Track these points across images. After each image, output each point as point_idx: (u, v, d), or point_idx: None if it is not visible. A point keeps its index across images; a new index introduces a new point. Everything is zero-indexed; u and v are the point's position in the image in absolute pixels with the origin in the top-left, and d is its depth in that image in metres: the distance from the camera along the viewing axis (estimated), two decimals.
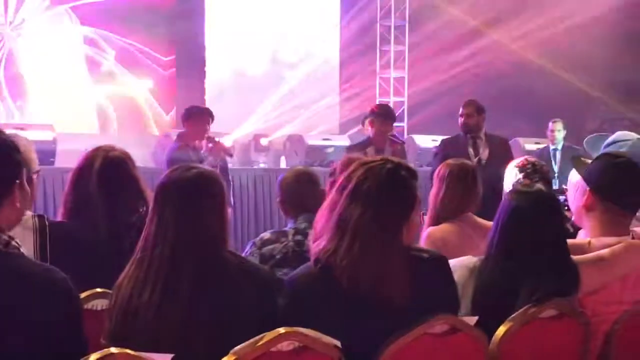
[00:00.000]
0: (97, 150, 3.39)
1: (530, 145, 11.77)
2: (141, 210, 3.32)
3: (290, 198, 3.85)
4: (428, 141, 11.35)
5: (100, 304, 2.82)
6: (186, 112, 7.48)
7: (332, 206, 2.51)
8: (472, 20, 14.67)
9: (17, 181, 2.19)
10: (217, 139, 7.68)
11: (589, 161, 3.12)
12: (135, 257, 2.49)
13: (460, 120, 7.14)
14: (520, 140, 11.67)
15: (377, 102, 15.18)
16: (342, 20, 15.34)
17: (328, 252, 2.45)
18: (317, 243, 2.51)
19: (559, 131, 9.74)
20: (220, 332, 2.36)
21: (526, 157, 4.55)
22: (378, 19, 15.27)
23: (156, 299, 2.39)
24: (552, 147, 9.76)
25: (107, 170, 3.30)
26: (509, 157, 6.69)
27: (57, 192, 8.19)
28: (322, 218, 2.52)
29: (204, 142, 7.48)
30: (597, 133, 3.68)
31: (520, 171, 4.31)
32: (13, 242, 2.13)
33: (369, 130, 7.54)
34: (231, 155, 8.05)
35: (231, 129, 12.47)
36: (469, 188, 4.09)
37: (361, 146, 7.37)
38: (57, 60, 12.46)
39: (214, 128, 11.71)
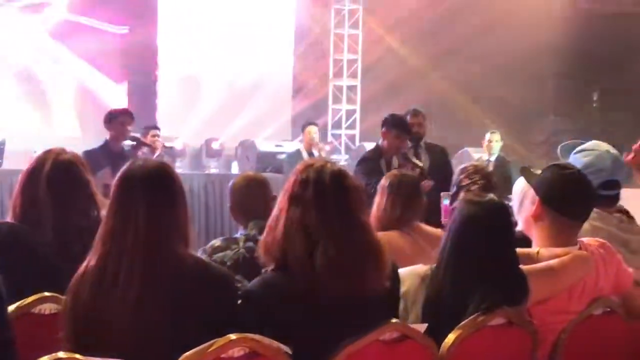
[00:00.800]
0: (48, 153, 3.32)
1: (480, 154, 11.87)
2: (92, 214, 3.27)
3: (240, 204, 3.83)
4: None
5: (48, 308, 2.77)
6: (107, 116, 7.32)
7: (284, 212, 2.50)
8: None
9: None
10: (140, 138, 7.70)
11: (539, 172, 3.16)
12: (97, 252, 2.42)
13: (395, 114, 6.93)
14: (470, 150, 11.78)
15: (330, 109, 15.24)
16: (296, 25, 15.36)
17: (285, 258, 2.44)
18: (270, 249, 2.50)
19: (496, 142, 9.74)
20: (173, 335, 2.33)
21: (471, 162, 4.68)
22: (332, 27, 15.32)
23: (131, 297, 2.34)
24: (486, 157, 9.77)
25: (56, 174, 3.24)
26: (449, 166, 6.83)
27: (4, 195, 8.06)
28: (280, 225, 2.50)
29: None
30: (572, 140, 3.73)
31: (461, 172, 4.43)
32: None
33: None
34: (155, 149, 8.02)
35: (181, 133, 12.44)
36: (412, 198, 4.13)
37: (372, 162, 6.73)
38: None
39: (165, 132, 11.69)
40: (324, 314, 2.44)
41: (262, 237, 2.59)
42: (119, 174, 2.50)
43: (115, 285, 2.35)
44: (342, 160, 13.66)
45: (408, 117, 7.09)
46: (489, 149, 9.76)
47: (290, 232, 2.46)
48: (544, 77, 14.96)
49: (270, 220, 2.55)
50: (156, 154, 9.13)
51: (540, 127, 15.63)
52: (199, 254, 3.65)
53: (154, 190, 2.45)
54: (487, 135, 9.85)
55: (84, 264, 2.44)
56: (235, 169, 11.47)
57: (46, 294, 2.79)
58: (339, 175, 2.55)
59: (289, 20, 15.38)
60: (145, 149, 7.54)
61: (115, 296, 2.34)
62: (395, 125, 6.67)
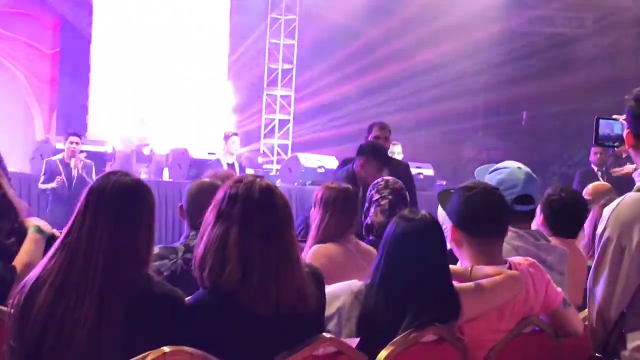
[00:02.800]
0: None
1: (413, 169, 11.97)
2: (9, 215, 3.29)
3: (188, 209, 3.77)
4: (313, 161, 11.44)
5: None
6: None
7: (211, 228, 2.49)
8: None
9: None
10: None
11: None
12: (57, 261, 2.39)
13: (374, 141, 6.74)
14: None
15: (264, 119, 15.23)
16: (231, 33, 15.32)
17: (214, 275, 2.42)
18: (202, 266, 2.48)
19: (398, 154, 10.05)
20: (126, 355, 2.29)
21: (384, 177, 4.72)
22: (267, 37, 15.34)
23: (90, 313, 2.32)
24: None
25: None
26: (411, 182, 6.69)
27: None
28: (204, 241, 2.48)
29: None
30: (486, 165, 3.80)
31: (373, 187, 4.48)
32: None
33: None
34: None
35: (111, 137, 12.29)
36: (351, 212, 4.15)
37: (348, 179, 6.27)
38: None
39: (94, 136, 11.57)
40: (248, 332, 2.43)
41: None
42: (91, 186, 2.48)
43: (76, 303, 2.33)
44: (274, 170, 13.69)
45: (374, 129, 6.90)
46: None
47: (210, 250, 2.44)
48: (476, 94, 15.23)
49: (198, 236, 2.54)
50: (72, 163, 9.20)
51: (471, 143, 15.91)
52: None
53: (123, 208, 2.43)
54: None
55: (37, 271, 2.40)
56: (166, 176, 11.36)
57: None
58: (269, 192, 2.53)
59: (224, 27, 15.35)
60: None
61: (73, 313, 2.32)
62: (377, 156, 6.34)
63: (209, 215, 2.51)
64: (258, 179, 2.57)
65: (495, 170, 3.60)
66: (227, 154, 10.25)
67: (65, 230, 2.44)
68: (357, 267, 3.83)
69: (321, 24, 14.85)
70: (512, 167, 3.55)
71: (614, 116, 3.06)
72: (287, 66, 15.38)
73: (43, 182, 9.37)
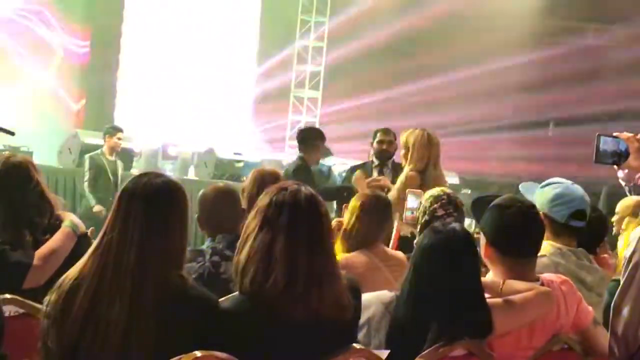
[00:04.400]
0: None
1: None
2: (45, 211, 3.36)
3: (208, 216, 3.80)
4: (339, 165, 11.42)
5: (8, 311, 2.74)
6: None
7: (255, 235, 2.49)
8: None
9: None
10: None
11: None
12: (93, 264, 2.39)
13: (378, 146, 6.99)
14: None
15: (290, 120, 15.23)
16: (261, 34, 15.36)
17: (258, 282, 2.43)
18: (236, 272, 2.50)
19: None
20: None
21: (442, 188, 4.64)
22: (296, 38, 15.36)
23: (122, 315, 2.33)
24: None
25: (7, 176, 3.33)
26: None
27: None
28: (247, 248, 2.49)
29: None
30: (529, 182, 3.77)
31: (436, 201, 4.41)
32: None
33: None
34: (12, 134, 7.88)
35: (139, 135, 12.34)
36: (381, 220, 4.13)
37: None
38: None
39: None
40: (285, 339, 2.44)
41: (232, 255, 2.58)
42: (123, 187, 2.48)
43: (109, 305, 2.34)
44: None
45: (378, 134, 7.04)
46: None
47: (254, 257, 2.45)
48: (502, 102, 15.16)
49: (240, 242, 2.54)
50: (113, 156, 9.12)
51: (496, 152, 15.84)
52: None
53: (154, 210, 2.43)
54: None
55: (74, 272, 2.41)
56: (192, 174, 11.39)
57: (7, 296, 2.77)
58: (314, 200, 2.54)
59: (254, 30, 15.39)
60: None
61: (106, 315, 2.33)
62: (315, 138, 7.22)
63: (252, 222, 2.51)
64: (302, 187, 2.58)
65: (549, 184, 3.55)
66: None
67: (101, 232, 2.45)
68: (382, 278, 3.83)
69: (350, 27, 14.84)
70: (567, 183, 3.52)
71: (615, 133, 3.05)
72: (315, 68, 15.38)
73: (89, 180, 9.01)
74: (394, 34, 14.60)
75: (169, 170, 11.81)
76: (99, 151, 9.21)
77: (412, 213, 4.56)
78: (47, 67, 13.04)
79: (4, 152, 3.57)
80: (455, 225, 2.98)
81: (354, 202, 4.14)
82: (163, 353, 2.30)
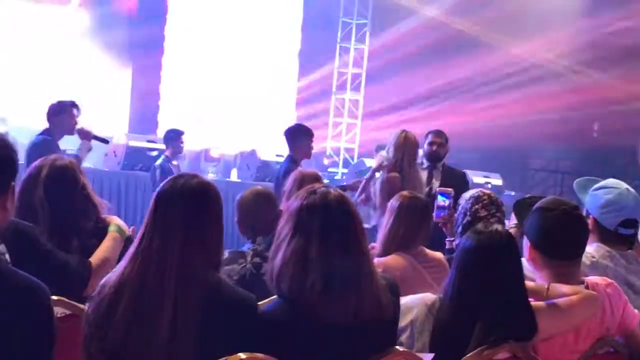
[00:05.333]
0: (45, 159, 3.45)
1: (479, 179, 11.90)
2: (91, 214, 3.40)
3: (247, 219, 3.83)
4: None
5: (56, 312, 2.77)
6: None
7: (289, 240, 2.49)
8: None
9: (13, 183, 2.17)
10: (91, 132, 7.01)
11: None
12: (134, 268, 2.39)
13: (428, 148, 6.94)
14: (469, 173, 11.77)
15: (332, 122, 15.26)
16: (302, 39, 15.41)
17: (296, 287, 2.44)
18: (271, 277, 2.50)
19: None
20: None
21: (481, 189, 4.62)
22: (338, 41, 15.37)
23: (165, 319, 2.33)
24: None
25: (53, 178, 3.35)
26: (464, 190, 6.67)
27: None
28: (282, 253, 2.49)
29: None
30: (586, 177, 3.72)
31: (477, 202, 4.38)
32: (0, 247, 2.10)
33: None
34: (106, 142, 7.79)
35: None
36: (420, 221, 4.10)
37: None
38: None
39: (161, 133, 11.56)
40: (325, 341, 2.45)
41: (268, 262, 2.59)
42: (159, 189, 2.48)
43: (151, 309, 2.34)
44: (340, 173, 13.69)
45: (430, 136, 6.99)
46: None
47: (289, 262, 2.46)
48: (546, 102, 15.00)
49: (273, 247, 2.55)
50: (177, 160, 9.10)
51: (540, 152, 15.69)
52: None
53: (194, 209, 2.42)
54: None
55: (116, 276, 2.41)
56: (234, 176, 11.44)
57: (54, 297, 2.80)
58: (344, 201, 2.55)
59: (295, 31, 15.43)
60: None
61: (149, 319, 2.33)
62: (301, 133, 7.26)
63: (285, 227, 2.52)
64: (330, 189, 2.58)
65: (602, 188, 3.51)
66: None
67: (138, 235, 2.44)
68: (421, 280, 3.81)
69: (392, 29, 14.82)
70: (621, 188, 3.47)
71: None
72: (356, 70, 15.38)
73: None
74: (438, 35, 14.54)
75: (212, 172, 11.87)
76: (162, 157, 9.09)
77: (443, 212, 4.53)
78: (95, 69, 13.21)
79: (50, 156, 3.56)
80: (497, 226, 2.97)
81: (392, 204, 4.12)
82: (207, 355, 2.31)
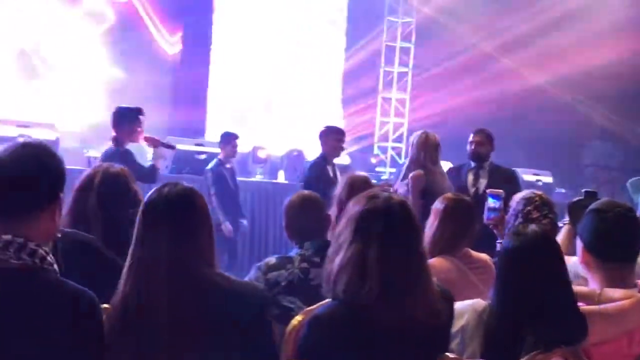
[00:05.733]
0: (97, 168, 3.49)
1: (529, 176, 11.76)
2: None
3: (295, 224, 3.83)
4: None
5: None
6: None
7: (348, 244, 2.49)
8: (481, 44, 14.70)
9: (61, 193, 2.20)
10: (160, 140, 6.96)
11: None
12: (127, 281, 2.42)
13: (470, 147, 6.92)
14: (519, 171, 11.64)
15: (379, 121, 15.24)
16: (347, 38, 15.39)
17: (352, 290, 2.43)
18: (328, 280, 2.50)
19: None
20: (208, 352, 2.36)
21: (532, 190, 4.56)
22: (384, 39, 15.33)
23: (165, 322, 2.35)
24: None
25: (106, 186, 3.37)
26: (514, 190, 6.60)
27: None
28: (340, 257, 2.49)
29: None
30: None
31: (529, 203, 4.33)
32: (49, 258, 2.14)
33: None
34: (173, 148, 7.51)
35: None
36: (465, 224, 4.05)
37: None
38: None
39: (216, 138, 11.59)
40: (380, 345, 2.44)
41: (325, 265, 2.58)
42: (144, 201, 2.52)
43: (150, 320, 2.36)
44: (387, 173, 13.64)
45: (471, 135, 6.97)
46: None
47: (347, 265, 2.45)
48: (596, 99, 14.80)
49: (331, 250, 2.55)
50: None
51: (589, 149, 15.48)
52: (253, 270, 3.67)
53: (177, 218, 2.45)
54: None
55: (118, 298, 2.43)
56: (282, 177, 11.46)
57: (105, 305, 2.83)
58: (406, 207, 2.54)
59: (340, 30, 15.42)
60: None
61: (148, 331, 2.35)
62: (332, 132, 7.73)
63: (345, 231, 2.51)
64: (394, 195, 2.59)
65: None
66: None
67: (131, 247, 2.47)
68: (468, 283, 3.78)
69: (438, 27, 14.74)
70: None
71: None
72: (402, 69, 15.32)
73: (216, 194, 8.66)
74: (484, 34, 14.43)
75: (259, 174, 11.91)
76: (215, 160, 9.01)
77: (494, 214, 4.48)
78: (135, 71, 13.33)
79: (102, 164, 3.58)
80: (534, 227, 2.93)
81: (437, 206, 4.07)
82: (215, 353, 2.34)
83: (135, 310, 2.37)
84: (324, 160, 7.60)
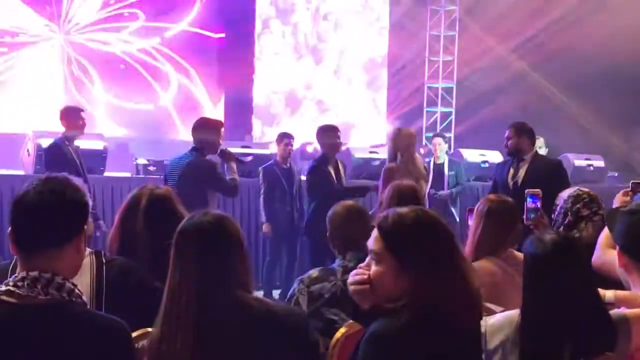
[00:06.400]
0: (143, 189, 3.51)
1: (580, 161, 11.60)
2: None
3: (339, 234, 3.85)
4: (476, 155, 11.26)
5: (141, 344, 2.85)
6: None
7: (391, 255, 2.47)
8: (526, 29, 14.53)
9: (85, 226, 2.25)
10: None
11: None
12: (164, 309, 2.49)
13: (505, 143, 7.06)
14: (570, 156, 11.49)
15: (425, 112, 15.17)
16: (391, 28, 15.34)
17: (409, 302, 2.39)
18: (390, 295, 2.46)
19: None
20: None
21: (579, 187, 4.52)
22: (427, 29, 15.23)
23: (188, 349, 2.40)
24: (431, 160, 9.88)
25: (153, 208, 3.40)
26: (556, 181, 6.55)
27: (106, 201, 8.33)
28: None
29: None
30: None
31: (577, 201, 4.29)
32: (76, 290, 2.18)
33: None
34: (244, 162, 7.55)
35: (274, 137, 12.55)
36: (508, 224, 4.01)
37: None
38: None
39: (261, 137, 11.60)
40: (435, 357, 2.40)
41: None
42: (178, 227, 2.58)
43: (172, 344, 2.42)
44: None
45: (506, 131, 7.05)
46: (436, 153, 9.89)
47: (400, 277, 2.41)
48: None
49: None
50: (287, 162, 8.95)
51: None
52: (296, 283, 3.70)
53: (207, 247, 2.50)
54: (434, 140, 10.07)
55: (159, 316, 2.50)
56: None
57: (149, 329, 2.88)
58: (440, 218, 2.51)
59: (384, 19, 15.37)
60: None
61: (186, 350, 2.40)
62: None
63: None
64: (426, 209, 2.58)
65: None
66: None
67: (168, 277, 2.53)
68: (514, 284, 3.74)
69: (483, 14, 14.62)
70: None
71: None
72: (447, 58, 15.22)
73: (264, 193, 8.68)
74: (528, 20, 14.27)
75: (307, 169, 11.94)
76: (272, 160, 8.96)
77: (534, 214, 4.44)
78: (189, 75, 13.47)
79: (146, 184, 3.61)
80: (554, 232, 2.90)
81: (478, 208, 4.05)
82: None
83: (168, 337, 2.43)
84: (325, 159, 7.64)
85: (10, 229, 2.20)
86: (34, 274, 2.13)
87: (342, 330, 3.17)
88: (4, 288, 2.13)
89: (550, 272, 2.73)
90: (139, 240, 3.34)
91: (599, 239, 3.74)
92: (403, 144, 7.14)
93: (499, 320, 2.76)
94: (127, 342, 2.22)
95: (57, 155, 6.91)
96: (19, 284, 2.12)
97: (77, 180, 2.38)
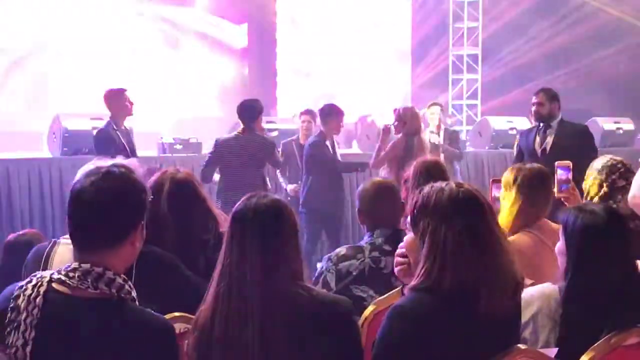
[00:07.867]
0: (164, 174, 3.47)
1: (609, 124, 11.45)
2: (212, 228, 3.38)
3: (368, 210, 3.80)
4: (503, 123, 11.15)
5: (178, 328, 2.84)
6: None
7: (422, 231, 2.45)
8: None
9: (143, 222, 2.22)
10: None
11: None
12: (217, 288, 2.45)
13: (532, 109, 6.97)
14: (599, 120, 11.34)
15: (451, 79, 15.05)
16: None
17: (431, 280, 2.38)
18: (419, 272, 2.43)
19: (431, 114, 9.36)
20: None
21: (611, 156, 4.42)
22: None
23: (255, 337, 2.37)
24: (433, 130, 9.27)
25: (175, 193, 3.37)
26: (583, 146, 6.51)
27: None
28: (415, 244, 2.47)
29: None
30: None
31: (612, 171, 4.21)
32: (126, 287, 2.16)
33: None
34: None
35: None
36: (542, 195, 3.85)
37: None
38: None
39: (281, 113, 11.44)
40: (458, 335, 2.38)
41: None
42: (234, 211, 2.52)
43: (240, 330, 2.38)
44: (464, 133, 13.42)
45: (533, 97, 6.97)
46: (431, 121, 9.40)
47: (428, 256, 2.40)
48: None
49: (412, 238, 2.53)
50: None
51: None
52: (324, 261, 3.68)
53: (266, 230, 2.45)
54: (432, 109, 9.50)
55: (207, 307, 2.47)
56: (355, 147, 11.39)
57: (176, 314, 2.87)
58: (476, 195, 2.47)
59: None
60: None
61: (239, 340, 2.38)
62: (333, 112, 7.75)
63: (424, 219, 2.47)
64: (463, 182, 2.54)
65: None
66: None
67: (219, 260, 2.48)
68: (551, 256, 3.65)
69: None
70: None
71: None
72: (472, 24, 15.04)
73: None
74: None
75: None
76: (294, 137, 8.75)
77: (565, 186, 4.33)
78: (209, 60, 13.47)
79: (165, 167, 3.59)
80: (598, 204, 2.84)
81: (508, 178, 3.87)
82: None
83: (225, 321, 2.40)
84: (324, 137, 7.68)
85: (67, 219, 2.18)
86: (86, 266, 2.12)
87: (371, 307, 3.13)
88: (56, 276, 2.12)
89: (606, 243, 2.68)
90: (163, 225, 3.30)
91: (635, 178, 3.68)
92: (413, 120, 7.26)
93: (530, 294, 2.72)
94: (172, 343, 2.20)
95: (106, 141, 6.92)
96: (70, 274, 2.12)
97: (134, 165, 2.36)
